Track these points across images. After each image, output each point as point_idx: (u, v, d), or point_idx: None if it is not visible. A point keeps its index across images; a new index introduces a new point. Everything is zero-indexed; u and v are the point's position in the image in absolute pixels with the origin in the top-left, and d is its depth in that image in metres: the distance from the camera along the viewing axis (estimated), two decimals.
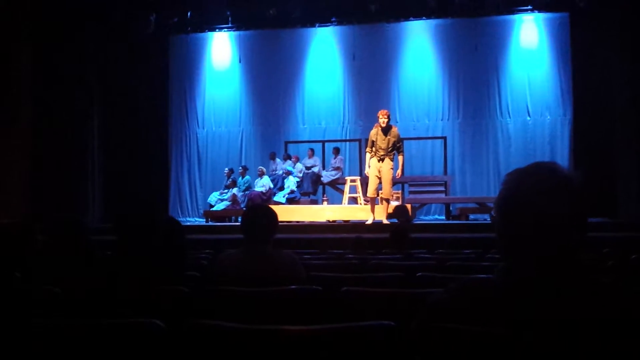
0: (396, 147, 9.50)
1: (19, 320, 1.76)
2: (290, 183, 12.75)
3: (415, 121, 14.00)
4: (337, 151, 12.90)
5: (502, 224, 1.44)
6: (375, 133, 9.51)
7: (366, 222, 9.91)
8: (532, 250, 1.38)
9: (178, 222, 2.97)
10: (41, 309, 2.34)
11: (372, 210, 9.84)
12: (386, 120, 9.47)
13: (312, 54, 14.37)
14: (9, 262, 3.09)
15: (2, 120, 10.88)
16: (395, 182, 10.30)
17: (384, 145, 9.38)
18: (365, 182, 12.13)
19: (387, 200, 9.79)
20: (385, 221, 9.64)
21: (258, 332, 1.65)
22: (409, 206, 10.98)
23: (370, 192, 9.64)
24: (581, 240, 1.39)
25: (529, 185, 1.40)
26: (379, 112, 9.73)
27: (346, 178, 11.77)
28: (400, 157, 9.70)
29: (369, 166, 9.59)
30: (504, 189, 1.45)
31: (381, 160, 9.43)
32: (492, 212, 1.49)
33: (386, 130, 9.43)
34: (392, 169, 9.52)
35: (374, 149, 9.50)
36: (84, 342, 1.72)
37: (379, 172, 9.45)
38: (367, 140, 12.17)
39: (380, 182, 9.56)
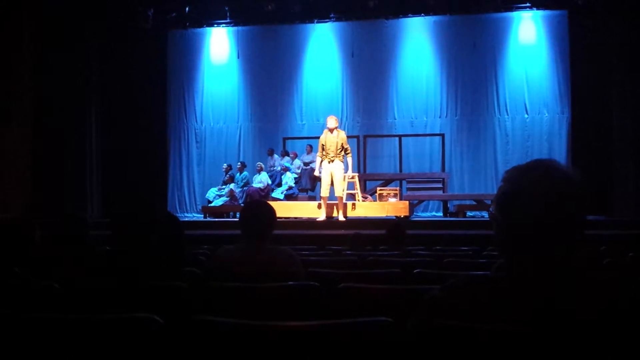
0: (344, 149, 10.06)
1: (17, 315, 1.77)
2: (288, 179, 12.77)
3: (414, 118, 14.02)
4: None
5: (501, 221, 1.44)
6: (324, 138, 10.14)
7: (318, 219, 10.38)
8: (530, 248, 1.38)
9: (176, 218, 2.99)
10: (40, 304, 2.35)
11: (328, 208, 10.39)
12: (334, 124, 10.06)
13: (310, 50, 14.36)
14: (8, 257, 3.09)
15: (2, 116, 10.87)
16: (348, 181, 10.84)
17: (332, 148, 10.01)
18: (363, 179, 12.20)
19: (340, 198, 10.30)
20: (341, 218, 10.23)
21: (256, 327, 1.65)
22: (406, 203, 11.01)
23: (324, 192, 10.21)
24: (579, 238, 1.39)
25: (528, 182, 1.40)
26: (328, 117, 10.30)
27: (352, 174, 11.78)
28: (349, 159, 10.23)
29: (320, 169, 10.22)
30: (503, 186, 1.46)
31: (331, 161, 10.02)
32: (491, 209, 1.50)
33: (334, 134, 10.05)
34: (342, 169, 10.09)
35: (324, 152, 10.07)
36: (82, 337, 1.72)
37: (331, 173, 10.04)
38: (364, 137, 13.04)
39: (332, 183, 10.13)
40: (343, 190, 10.37)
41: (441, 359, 1.40)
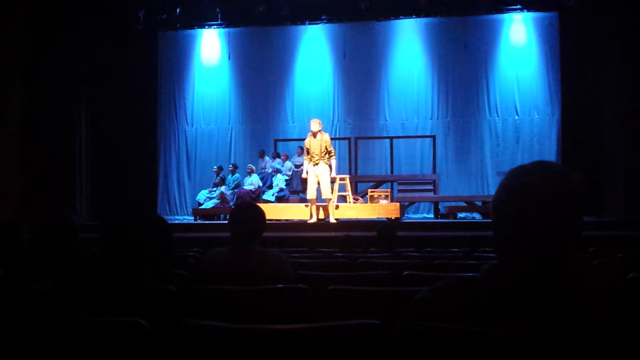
0: (328, 152, 10.13)
1: (5, 318, 1.75)
2: (279, 181, 12.76)
3: (405, 120, 14.04)
4: None
5: (498, 222, 1.44)
6: (308, 141, 10.23)
7: (308, 221, 10.43)
8: (525, 249, 1.38)
9: (164, 220, 2.96)
10: (27, 307, 2.33)
11: (315, 210, 10.46)
12: (317, 128, 10.14)
13: (302, 52, 14.36)
14: None
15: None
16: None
17: (317, 151, 10.09)
18: (354, 181, 12.21)
19: (329, 200, 10.35)
20: (332, 220, 10.26)
21: (245, 330, 1.65)
22: (397, 205, 11.03)
23: (310, 194, 10.28)
24: (575, 240, 1.39)
25: (524, 182, 1.39)
26: (310, 120, 10.37)
27: (335, 176, 11.79)
28: (332, 161, 10.28)
29: (307, 172, 10.28)
30: (500, 186, 1.45)
31: (316, 164, 10.10)
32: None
33: (317, 137, 10.11)
34: (328, 171, 10.17)
35: (309, 155, 10.16)
36: (67, 340, 1.71)
37: (316, 175, 10.11)
38: (355, 138, 13.17)
39: (319, 185, 10.18)
40: (332, 192, 10.41)
41: None
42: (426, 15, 13.67)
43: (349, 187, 11.27)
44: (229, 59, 14.44)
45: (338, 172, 11.23)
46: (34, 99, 11.59)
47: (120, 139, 13.54)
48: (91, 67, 12.95)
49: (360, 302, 2.57)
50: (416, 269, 3.46)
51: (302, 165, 12.67)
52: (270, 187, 12.89)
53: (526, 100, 13.54)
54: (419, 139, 13.81)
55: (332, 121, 14.22)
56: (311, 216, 10.44)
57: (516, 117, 13.57)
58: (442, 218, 12.27)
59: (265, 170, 13.25)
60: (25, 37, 11.42)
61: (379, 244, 5.54)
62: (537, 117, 13.47)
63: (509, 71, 13.63)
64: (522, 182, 1.40)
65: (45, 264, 2.97)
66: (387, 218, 10.76)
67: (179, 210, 14.41)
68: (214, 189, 13.03)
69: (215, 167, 13.38)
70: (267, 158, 13.47)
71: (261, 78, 14.38)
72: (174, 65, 14.66)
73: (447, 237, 8.82)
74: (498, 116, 13.64)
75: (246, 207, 3.41)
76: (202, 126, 14.64)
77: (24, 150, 11.46)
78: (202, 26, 14.41)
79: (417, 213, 13.51)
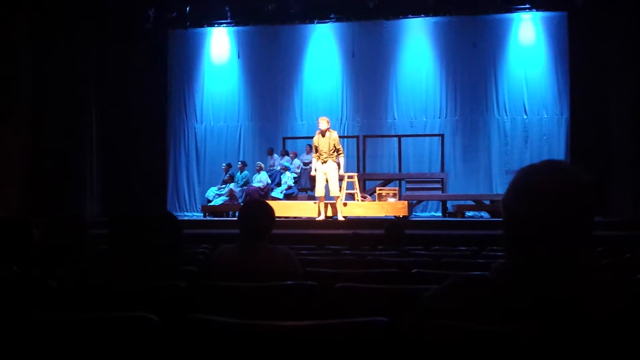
0: (336, 150, 10.13)
1: (16, 315, 1.77)
2: (287, 179, 12.78)
3: (413, 118, 14.03)
4: None
5: (508, 221, 1.44)
6: (316, 139, 10.23)
7: (317, 219, 10.46)
8: (534, 248, 1.38)
9: (174, 217, 2.98)
10: (37, 303, 2.35)
11: (324, 208, 10.48)
12: (326, 126, 10.13)
13: (310, 50, 14.37)
14: (6, 255, 3.09)
15: (1, 114, 10.85)
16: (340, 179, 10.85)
17: (325, 149, 10.10)
18: (362, 179, 12.21)
19: (337, 197, 10.40)
20: (340, 218, 10.32)
21: (253, 327, 1.66)
22: (405, 203, 11.03)
23: (318, 192, 10.31)
24: (584, 240, 1.39)
25: (533, 182, 1.40)
26: (319, 118, 10.35)
27: (344, 174, 11.79)
28: (341, 159, 10.26)
29: (315, 169, 10.28)
30: (512, 185, 1.45)
31: (325, 162, 10.11)
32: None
33: (326, 135, 10.12)
34: (336, 169, 10.18)
35: (318, 153, 10.18)
36: (78, 336, 1.72)
37: (325, 173, 10.12)
38: (364, 137, 13.19)
39: (327, 182, 10.20)
40: (340, 190, 10.41)
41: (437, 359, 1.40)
42: (435, 15, 13.64)
43: (357, 185, 11.27)
44: (239, 57, 14.48)
45: (346, 170, 11.21)
46: (43, 98, 11.62)
47: (131, 137, 13.58)
48: (101, 66, 12.99)
49: (368, 299, 2.57)
50: (424, 267, 3.47)
51: (310, 163, 12.69)
52: (279, 184, 12.92)
53: (535, 99, 13.50)
54: (427, 138, 13.81)
55: (341, 119, 14.23)
56: (319, 214, 10.46)
57: (525, 117, 13.53)
58: (450, 216, 12.26)
59: (274, 167, 13.28)
60: (32, 36, 11.45)
61: (387, 241, 5.55)
62: (545, 116, 13.43)
63: (518, 70, 13.59)
64: (531, 181, 1.41)
65: (55, 261, 3.00)
66: (395, 216, 10.76)
67: (188, 207, 14.47)
68: (223, 186, 13.06)
69: (224, 164, 13.42)
70: (275, 156, 13.50)
71: (270, 76, 14.41)
72: (183, 63, 14.71)
73: (454, 235, 8.83)
74: (507, 115, 13.61)
75: (255, 205, 3.42)
76: (212, 124, 14.69)
77: (33, 148, 11.51)
78: (211, 24, 14.44)
79: (425, 211, 13.50)
